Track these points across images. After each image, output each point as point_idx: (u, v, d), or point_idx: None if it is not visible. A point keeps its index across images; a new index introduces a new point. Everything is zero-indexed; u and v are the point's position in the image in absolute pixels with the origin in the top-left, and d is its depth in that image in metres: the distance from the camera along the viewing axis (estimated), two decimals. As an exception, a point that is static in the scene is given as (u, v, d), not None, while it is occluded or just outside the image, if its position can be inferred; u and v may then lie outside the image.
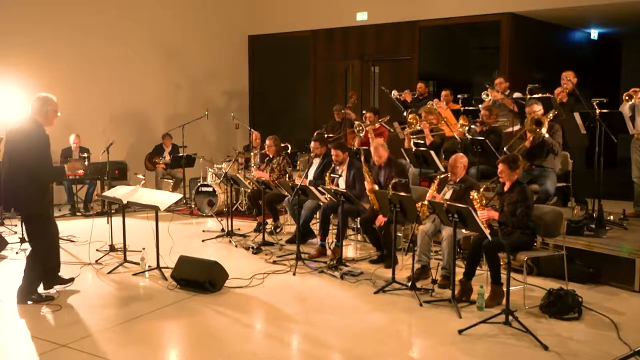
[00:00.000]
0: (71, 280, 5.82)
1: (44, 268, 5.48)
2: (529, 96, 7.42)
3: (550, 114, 6.64)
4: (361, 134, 8.73)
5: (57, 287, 5.66)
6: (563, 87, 7.39)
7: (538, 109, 6.67)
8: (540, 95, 7.25)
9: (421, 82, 9.72)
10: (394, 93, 9.49)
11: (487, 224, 5.32)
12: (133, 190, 6.50)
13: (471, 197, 5.46)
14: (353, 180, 6.94)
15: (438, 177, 6.09)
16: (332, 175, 7.04)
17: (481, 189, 5.51)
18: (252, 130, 10.10)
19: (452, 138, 7.84)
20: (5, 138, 5.44)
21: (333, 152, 7.07)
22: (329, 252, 6.83)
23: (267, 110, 13.36)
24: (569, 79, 7.36)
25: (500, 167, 5.41)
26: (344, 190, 6.34)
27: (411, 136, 7.92)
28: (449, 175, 5.99)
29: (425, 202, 5.76)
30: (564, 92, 7.35)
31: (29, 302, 5.37)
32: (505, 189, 5.43)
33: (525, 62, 10.60)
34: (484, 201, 5.42)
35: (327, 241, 6.99)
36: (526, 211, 5.26)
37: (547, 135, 6.48)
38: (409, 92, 9.48)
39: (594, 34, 12.97)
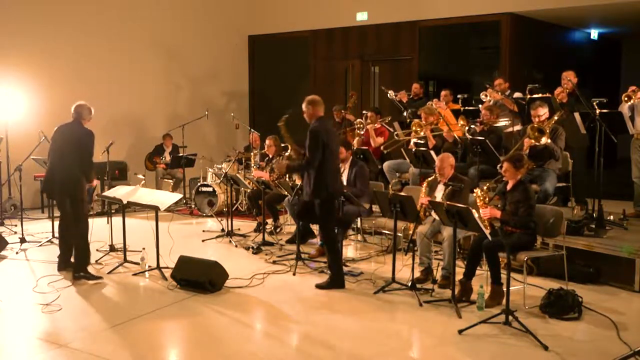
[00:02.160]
0: (99, 277, 6.11)
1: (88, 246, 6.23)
2: (529, 96, 7.41)
3: (556, 117, 6.62)
4: (361, 132, 8.73)
5: (83, 281, 5.99)
6: (563, 87, 7.39)
7: (543, 112, 6.63)
8: (540, 95, 7.25)
9: (416, 83, 9.72)
10: (390, 93, 9.49)
11: (489, 222, 5.32)
12: (133, 190, 6.50)
13: (475, 194, 5.45)
14: (354, 178, 6.95)
15: (426, 180, 6.08)
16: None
17: (484, 187, 5.49)
18: (252, 130, 10.11)
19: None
20: (54, 135, 6.30)
21: None
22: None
23: (267, 110, 13.34)
24: (569, 79, 7.36)
25: (505, 165, 5.41)
26: (344, 191, 6.33)
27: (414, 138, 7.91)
28: (437, 177, 5.98)
29: (425, 203, 5.75)
30: (564, 92, 7.34)
31: (82, 278, 5.98)
32: (509, 187, 5.42)
33: (525, 62, 10.60)
34: (487, 199, 5.41)
35: None
36: (529, 210, 5.26)
37: (548, 141, 6.46)
38: (405, 92, 9.48)
39: (594, 34, 12.97)
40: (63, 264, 6.29)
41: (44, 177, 6.50)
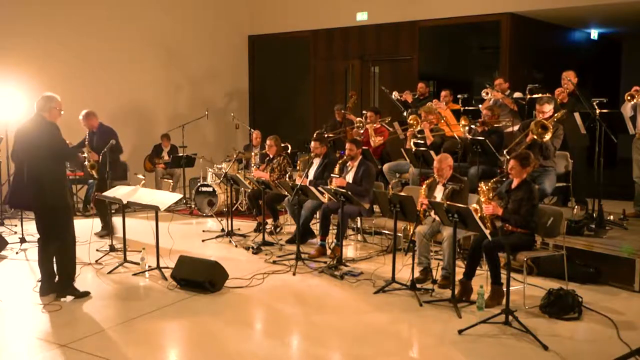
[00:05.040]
0: (87, 294, 5.58)
1: (74, 262, 5.62)
2: (529, 96, 7.41)
3: (557, 115, 6.62)
4: (361, 131, 8.74)
5: (69, 298, 5.48)
6: (564, 87, 7.38)
7: (548, 109, 6.63)
8: (540, 95, 7.24)
9: (421, 82, 9.71)
10: (395, 94, 9.49)
11: (490, 222, 5.31)
12: (133, 190, 6.49)
13: (480, 188, 5.44)
14: (361, 177, 6.98)
15: (425, 183, 6.09)
16: (332, 175, 7.05)
17: (490, 182, 5.47)
18: (252, 129, 10.11)
19: (452, 138, 7.84)
20: (15, 139, 5.52)
21: (347, 145, 7.14)
22: (328, 252, 6.83)
23: (267, 110, 13.35)
24: (569, 79, 7.36)
25: (512, 163, 5.39)
26: (344, 190, 6.34)
27: (413, 137, 7.90)
28: (436, 178, 5.99)
29: (425, 203, 5.75)
30: (564, 92, 7.34)
31: (69, 297, 5.46)
32: (513, 186, 5.41)
33: (525, 62, 10.59)
34: (491, 194, 5.40)
35: (327, 241, 6.99)
36: (531, 210, 5.25)
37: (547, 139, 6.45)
38: (410, 92, 9.48)
39: (594, 34, 12.97)
40: (46, 289, 5.55)
41: (10, 189, 5.48)
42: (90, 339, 4.62)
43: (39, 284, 5.59)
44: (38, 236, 5.63)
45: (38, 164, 5.32)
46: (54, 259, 5.51)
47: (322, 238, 6.97)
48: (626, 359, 4.11)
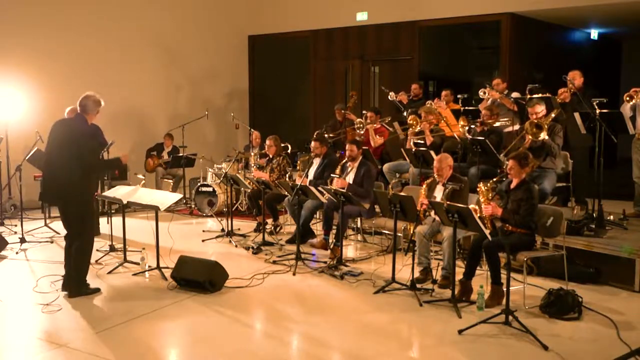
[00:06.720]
0: (97, 290, 5.69)
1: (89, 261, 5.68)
2: (528, 96, 7.41)
3: (553, 114, 6.62)
4: (361, 131, 8.75)
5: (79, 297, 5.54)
6: (568, 87, 7.36)
7: (540, 109, 6.63)
8: (540, 95, 7.24)
9: (415, 84, 9.72)
10: (391, 95, 9.49)
11: (490, 222, 5.31)
12: (133, 190, 6.49)
13: (479, 189, 5.44)
14: (362, 178, 7.00)
15: (425, 183, 6.09)
16: (333, 175, 7.05)
17: (489, 182, 5.47)
18: (252, 129, 10.11)
19: (452, 138, 7.84)
20: (51, 134, 5.57)
21: (348, 146, 7.16)
22: (328, 252, 6.84)
23: (267, 110, 13.36)
24: (570, 79, 7.34)
25: (511, 163, 5.39)
26: (344, 190, 6.34)
27: (413, 137, 7.91)
28: (436, 178, 5.99)
29: (425, 203, 5.75)
30: (566, 92, 7.33)
31: (82, 294, 5.53)
32: (512, 186, 5.42)
33: (525, 62, 10.60)
34: (490, 194, 5.40)
35: (330, 236, 7.04)
36: (530, 210, 5.25)
37: (546, 138, 6.46)
38: (404, 93, 9.48)
39: (594, 34, 12.97)
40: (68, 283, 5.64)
41: (41, 183, 5.63)
42: (91, 339, 4.63)
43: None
44: (65, 233, 5.67)
45: (67, 165, 5.36)
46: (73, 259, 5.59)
47: (326, 233, 7.05)
48: (626, 359, 4.11)
